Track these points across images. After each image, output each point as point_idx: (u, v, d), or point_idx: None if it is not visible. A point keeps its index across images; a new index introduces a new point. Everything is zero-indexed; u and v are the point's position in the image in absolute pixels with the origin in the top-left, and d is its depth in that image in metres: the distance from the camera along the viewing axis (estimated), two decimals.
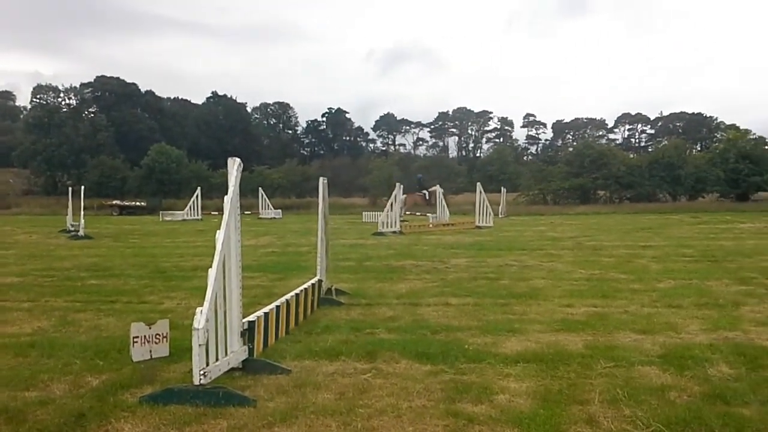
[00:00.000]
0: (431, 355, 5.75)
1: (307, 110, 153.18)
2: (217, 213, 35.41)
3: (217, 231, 5.01)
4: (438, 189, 33.98)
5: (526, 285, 10.02)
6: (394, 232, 22.21)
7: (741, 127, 63.54)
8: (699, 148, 70.34)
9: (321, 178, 8.63)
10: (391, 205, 22.87)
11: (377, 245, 17.79)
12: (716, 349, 5.85)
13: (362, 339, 6.49)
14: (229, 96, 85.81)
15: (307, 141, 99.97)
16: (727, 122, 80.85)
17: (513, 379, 5.05)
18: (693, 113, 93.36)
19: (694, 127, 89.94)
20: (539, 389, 4.80)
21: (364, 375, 5.22)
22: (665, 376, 5.10)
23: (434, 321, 7.35)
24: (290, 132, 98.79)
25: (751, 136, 54.05)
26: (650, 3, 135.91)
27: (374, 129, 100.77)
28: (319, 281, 8.31)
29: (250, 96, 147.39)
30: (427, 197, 34.10)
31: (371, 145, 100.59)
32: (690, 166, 48.84)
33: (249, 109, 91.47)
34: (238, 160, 5.34)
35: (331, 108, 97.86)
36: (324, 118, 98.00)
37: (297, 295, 7.19)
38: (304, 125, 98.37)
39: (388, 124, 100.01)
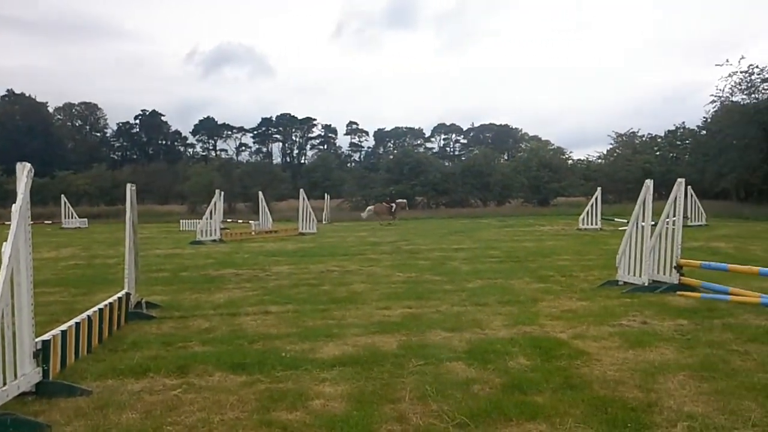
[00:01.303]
0: (247, 365, 5.61)
1: (118, 112, 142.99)
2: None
3: (4, 243, 4.53)
4: (403, 202, 35.38)
5: (346, 290, 10.16)
6: (214, 241, 21.49)
7: (542, 138, 70.18)
8: (506, 157, 76.07)
9: (128, 185, 8.10)
10: (211, 212, 22.13)
11: (195, 254, 17.10)
12: (516, 343, 6.31)
13: (174, 353, 6.16)
14: (27, 95, 78.29)
15: (117, 144, 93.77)
16: (531, 134, 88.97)
17: (329, 384, 5.07)
18: (501, 125, 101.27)
19: (502, 137, 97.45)
20: (354, 391, 4.86)
21: (174, 391, 4.96)
22: (470, 370, 5.40)
23: (252, 330, 7.19)
24: (98, 135, 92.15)
25: (551, 147, 59.86)
26: (465, 23, 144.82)
27: (193, 133, 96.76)
28: (127, 294, 7.79)
29: (52, 95, 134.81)
30: (393, 209, 34.28)
31: (190, 150, 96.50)
32: (498, 173, 52.71)
33: (51, 110, 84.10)
34: (28, 165, 4.85)
35: (145, 110, 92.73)
36: (137, 121, 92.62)
37: (101, 310, 6.66)
38: (115, 128, 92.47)
39: (209, 128, 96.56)
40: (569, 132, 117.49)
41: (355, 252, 16.91)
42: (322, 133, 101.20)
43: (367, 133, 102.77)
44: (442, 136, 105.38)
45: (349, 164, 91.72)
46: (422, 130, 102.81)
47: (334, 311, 8.27)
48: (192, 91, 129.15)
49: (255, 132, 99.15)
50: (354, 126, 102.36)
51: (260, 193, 28.96)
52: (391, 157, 63.85)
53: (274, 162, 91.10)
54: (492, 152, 64.45)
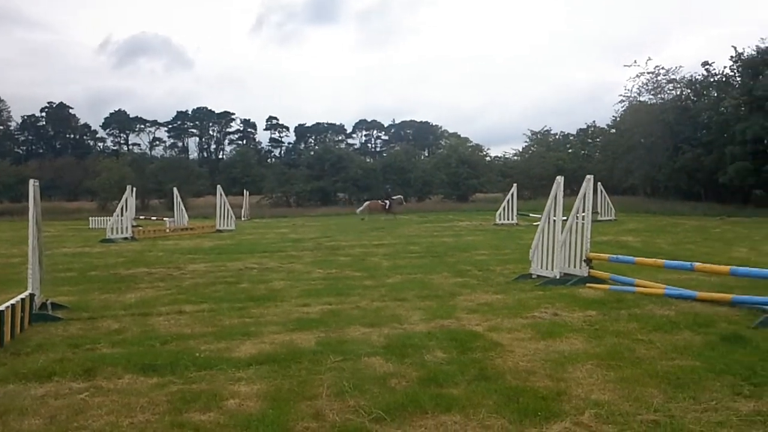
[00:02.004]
0: (158, 366, 5.44)
1: (23, 104, 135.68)
2: None
3: None
4: (400, 198, 35.48)
5: (264, 287, 10.02)
6: (126, 239, 20.71)
7: (461, 135, 71.47)
8: (426, 154, 77.04)
9: (31, 181, 7.69)
10: (122, 209, 21.30)
11: (105, 253, 16.43)
12: (433, 337, 6.40)
13: (81, 356, 5.90)
14: None
15: (22, 138, 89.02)
16: (450, 131, 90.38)
17: (244, 383, 4.98)
18: (421, 122, 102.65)
19: (422, 134, 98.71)
20: (270, 390, 4.80)
21: (81, 395, 4.75)
22: (388, 365, 5.43)
23: (165, 330, 6.97)
24: (1, 128, 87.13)
25: (470, 144, 61.03)
26: (387, 19, 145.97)
27: (104, 127, 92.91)
28: (31, 295, 7.39)
29: None
30: (387, 206, 33.31)
31: (100, 145, 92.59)
32: (418, 170, 53.29)
33: None
34: None
35: (51, 102, 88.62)
36: (44, 114, 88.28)
37: (2, 312, 6.30)
38: (19, 121, 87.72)
39: (120, 122, 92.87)
40: (487, 129, 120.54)
41: (275, 249, 16.71)
42: (241, 128, 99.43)
43: (287, 128, 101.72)
44: (364, 132, 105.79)
45: (269, 160, 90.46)
46: (344, 126, 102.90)
47: (252, 309, 8.14)
48: (103, 83, 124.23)
49: (170, 126, 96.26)
50: (274, 121, 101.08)
51: (175, 189, 28.12)
52: (312, 153, 63.33)
53: (191, 157, 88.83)
54: (413, 149, 65.10)
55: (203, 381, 5.07)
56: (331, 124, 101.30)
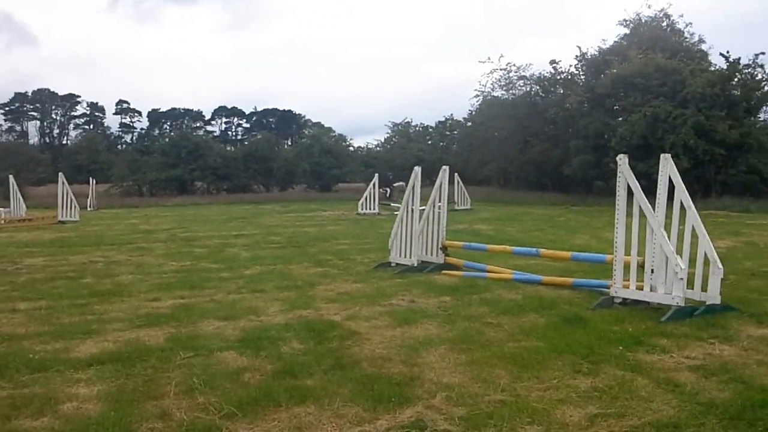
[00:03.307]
0: None
1: None
2: None
3: None
4: (401, 185, 32.28)
5: (110, 282, 9.40)
6: None
7: (325, 125, 71.54)
8: (289, 143, 76.26)
9: None
10: None
11: None
12: (290, 328, 6.30)
13: None
14: None
15: None
16: (314, 120, 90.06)
17: (83, 385, 4.62)
18: (284, 110, 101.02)
19: (285, 123, 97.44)
20: (112, 391, 4.49)
21: None
22: (242, 358, 5.27)
23: None
24: None
25: (333, 134, 61.17)
26: (251, 3, 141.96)
27: None
28: None
29: None
30: (387, 194, 30.38)
31: None
32: (281, 159, 52.58)
33: None
34: None
35: None
36: None
37: None
38: None
39: None
40: (351, 120, 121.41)
41: (124, 241, 15.76)
42: (88, 112, 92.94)
43: (140, 113, 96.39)
44: (224, 120, 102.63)
45: (119, 146, 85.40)
46: (202, 112, 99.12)
47: (95, 305, 7.59)
48: None
49: (7, 108, 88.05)
50: (125, 105, 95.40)
51: (11, 176, 25.75)
52: (168, 139, 60.42)
53: (30, 142, 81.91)
54: (275, 137, 64.14)
55: (37, 384, 4.65)
56: (188, 109, 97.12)
